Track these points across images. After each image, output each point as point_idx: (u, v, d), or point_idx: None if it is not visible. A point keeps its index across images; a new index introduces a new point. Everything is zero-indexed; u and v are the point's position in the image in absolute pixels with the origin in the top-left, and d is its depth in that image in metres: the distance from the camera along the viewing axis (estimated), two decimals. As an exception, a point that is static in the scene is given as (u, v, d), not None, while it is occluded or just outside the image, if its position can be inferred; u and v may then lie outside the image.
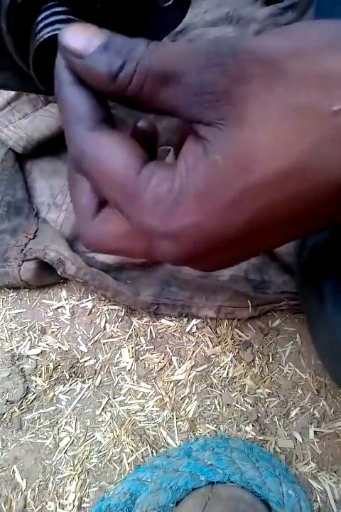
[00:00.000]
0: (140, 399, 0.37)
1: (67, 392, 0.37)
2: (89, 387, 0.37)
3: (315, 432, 0.35)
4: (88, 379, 0.38)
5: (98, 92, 0.16)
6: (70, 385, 0.38)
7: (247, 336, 0.38)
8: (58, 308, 0.40)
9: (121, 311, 0.39)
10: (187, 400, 0.37)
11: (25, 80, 0.23)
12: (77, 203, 0.17)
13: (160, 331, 0.39)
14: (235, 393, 0.37)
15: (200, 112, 0.14)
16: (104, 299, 0.40)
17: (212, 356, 0.38)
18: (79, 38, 0.15)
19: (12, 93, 0.41)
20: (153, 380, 0.37)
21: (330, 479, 0.34)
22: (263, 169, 0.13)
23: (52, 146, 0.42)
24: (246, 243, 0.15)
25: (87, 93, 0.16)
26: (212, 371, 0.37)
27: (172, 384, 0.37)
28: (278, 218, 0.14)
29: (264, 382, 0.37)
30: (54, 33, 0.18)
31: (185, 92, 0.14)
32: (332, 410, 0.36)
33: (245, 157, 0.13)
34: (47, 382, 0.37)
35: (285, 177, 0.13)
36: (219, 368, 0.38)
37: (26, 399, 0.37)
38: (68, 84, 0.16)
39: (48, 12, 0.19)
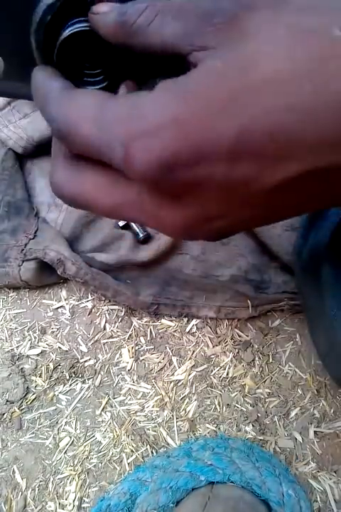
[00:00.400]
0: (140, 399, 0.37)
1: (67, 392, 0.37)
2: (89, 387, 0.37)
3: (315, 431, 0.35)
4: (88, 379, 0.38)
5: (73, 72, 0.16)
6: (70, 385, 0.38)
7: (247, 336, 0.38)
8: (58, 308, 0.40)
9: (121, 311, 0.39)
10: (187, 400, 0.37)
11: None
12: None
13: (160, 331, 0.39)
14: (235, 393, 0.37)
15: (209, 38, 0.13)
16: (104, 299, 0.40)
17: (212, 356, 0.38)
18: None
19: None
20: (153, 380, 0.37)
21: (330, 479, 0.34)
22: (263, 72, 0.12)
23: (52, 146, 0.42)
24: (238, 160, 0.13)
25: (56, 73, 0.17)
26: (212, 371, 0.37)
27: (172, 384, 0.37)
28: (274, 128, 0.12)
29: (264, 382, 0.37)
30: (76, 30, 0.19)
31: (196, 20, 0.13)
32: (332, 410, 0.36)
33: (246, 60, 0.12)
34: (47, 382, 0.37)
35: (283, 82, 0.12)
36: (219, 367, 0.38)
37: (26, 399, 0.37)
38: (39, 69, 0.17)
39: (74, 23, 0.20)
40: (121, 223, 0.40)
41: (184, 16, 0.14)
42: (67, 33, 0.19)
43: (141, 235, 0.39)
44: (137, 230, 0.39)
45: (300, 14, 0.13)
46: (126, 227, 0.41)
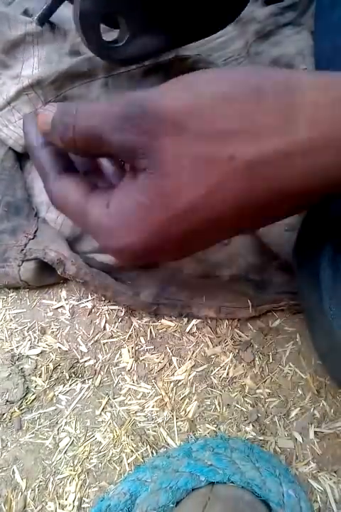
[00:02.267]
0: (140, 399, 0.37)
1: (67, 392, 0.37)
2: (89, 387, 0.37)
3: (315, 432, 0.35)
4: (88, 379, 0.38)
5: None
6: (70, 385, 0.38)
7: (247, 336, 0.38)
8: (58, 308, 0.40)
9: (121, 312, 0.39)
10: (187, 400, 0.37)
11: None
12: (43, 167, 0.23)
13: (160, 331, 0.39)
14: (235, 393, 0.37)
15: (127, 160, 0.19)
16: (104, 299, 0.40)
17: (212, 356, 0.38)
18: (35, 126, 0.23)
19: (12, 93, 0.41)
20: (153, 380, 0.37)
21: (330, 479, 0.34)
22: (179, 206, 0.17)
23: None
24: (174, 251, 0.20)
25: (50, 152, 0.23)
26: (212, 371, 0.37)
27: (172, 384, 0.37)
28: (192, 235, 0.19)
29: (264, 382, 0.37)
30: None
31: (113, 146, 0.18)
32: (332, 410, 0.36)
33: (165, 198, 0.17)
34: (47, 382, 0.37)
35: (193, 209, 0.17)
36: (219, 368, 0.38)
37: (26, 399, 0.37)
38: (36, 149, 0.23)
39: None
40: None
41: (101, 142, 0.18)
42: None
43: None
44: None
45: (198, 143, 0.16)
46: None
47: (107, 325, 0.39)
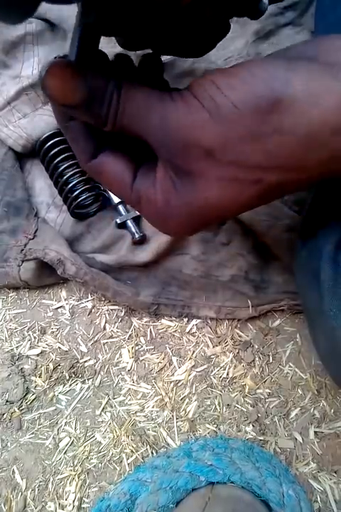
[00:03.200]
0: (140, 399, 0.37)
1: (66, 392, 0.37)
2: (89, 387, 0.37)
3: (315, 432, 0.35)
4: (88, 379, 0.38)
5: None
6: (70, 385, 0.37)
7: (247, 336, 0.38)
8: (58, 308, 0.40)
9: (121, 311, 0.39)
10: (187, 400, 0.37)
11: None
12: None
13: (160, 331, 0.39)
14: (235, 393, 0.37)
15: (171, 168, 0.20)
16: (103, 299, 0.40)
17: (212, 356, 0.38)
18: (64, 90, 0.19)
19: (12, 93, 0.41)
20: (153, 380, 0.37)
21: (330, 479, 0.34)
22: (213, 214, 0.21)
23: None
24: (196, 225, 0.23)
25: (85, 130, 0.21)
26: (212, 371, 0.37)
27: (172, 384, 0.37)
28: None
29: (264, 382, 0.37)
30: None
31: (163, 151, 0.20)
32: (332, 410, 0.36)
33: (205, 206, 0.20)
34: (47, 382, 0.37)
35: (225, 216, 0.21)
36: (219, 368, 0.37)
37: (26, 399, 0.37)
38: (70, 128, 0.21)
39: None
40: (120, 221, 0.40)
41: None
42: None
43: (137, 236, 0.39)
44: (133, 231, 0.39)
45: (225, 170, 0.19)
46: (123, 226, 0.41)
47: (107, 325, 0.39)
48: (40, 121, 0.40)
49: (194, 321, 0.39)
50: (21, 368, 0.38)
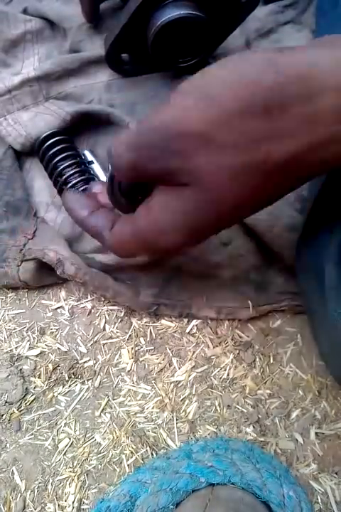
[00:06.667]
0: (140, 400, 0.37)
1: (66, 393, 0.37)
2: (88, 388, 0.37)
3: (316, 433, 0.35)
4: (87, 380, 0.37)
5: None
6: (69, 386, 0.37)
7: (248, 336, 0.38)
8: (57, 308, 0.40)
9: (121, 312, 0.39)
10: (187, 401, 0.36)
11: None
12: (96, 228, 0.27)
13: (160, 331, 0.39)
14: (236, 394, 0.36)
15: (168, 182, 0.20)
16: (103, 299, 0.40)
17: (213, 357, 0.38)
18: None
19: (16, 81, 0.41)
20: (152, 381, 0.37)
21: (331, 481, 0.33)
22: (225, 210, 0.19)
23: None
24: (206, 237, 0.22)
25: (98, 216, 0.26)
26: (212, 372, 0.37)
27: (172, 385, 0.37)
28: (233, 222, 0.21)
29: (265, 383, 0.37)
30: (169, 19, 0.27)
31: (149, 175, 0.20)
32: (333, 411, 0.35)
33: (212, 206, 0.19)
34: (46, 383, 0.37)
35: (239, 209, 0.19)
36: (219, 368, 0.37)
37: (25, 400, 0.37)
38: (86, 219, 0.27)
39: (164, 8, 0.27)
40: None
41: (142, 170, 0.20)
42: (160, 23, 0.24)
43: None
44: None
45: (231, 154, 0.17)
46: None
47: (107, 325, 0.39)
48: (40, 120, 0.40)
49: (194, 322, 0.39)
50: (20, 369, 0.38)
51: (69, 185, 0.38)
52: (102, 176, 0.40)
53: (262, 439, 0.35)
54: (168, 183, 0.19)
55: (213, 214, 0.19)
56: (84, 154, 0.41)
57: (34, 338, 0.39)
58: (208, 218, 0.19)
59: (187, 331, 0.38)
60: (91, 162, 0.41)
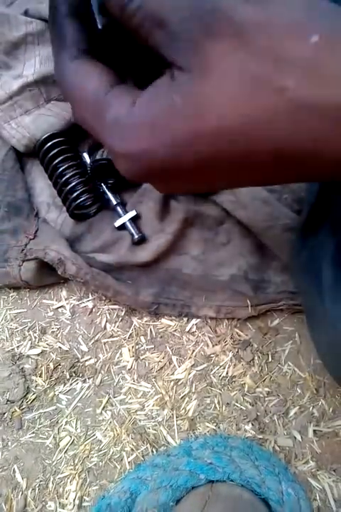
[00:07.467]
0: (140, 398, 0.37)
1: (67, 391, 0.38)
2: (89, 386, 0.38)
3: (314, 430, 0.35)
4: (88, 378, 0.38)
5: (88, 26, 0.18)
6: (71, 384, 0.38)
7: (247, 335, 0.39)
8: (58, 308, 0.40)
9: (122, 311, 0.40)
10: (187, 398, 0.37)
11: None
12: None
13: (160, 330, 0.39)
14: (235, 392, 0.37)
15: (176, 55, 0.15)
16: (104, 298, 0.40)
17: (212, 355, 0.38)
18: None
19: (15, 87, 0.41)
20: (153, 379, 0.38)
21: (329, 478, 0.34)
22: (213, 122, 0.15)
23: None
24: (195, 177, 0.17)
25: (76, 26, 0.18)
26: (211, 370, 0.38)
27: (172, 383, 0.37)
28: (222, 166, 0.16)
29: (264, 381, 0.37)
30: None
31: (169, 37, 0.15)
32: (331, 409, 0.36)
33: (200, 107, 0.15)
34: (47, 381, 0.37)
35: (230, 135, 0.15)
36: (218, 367, 0.38)
37: (26, 398, 0.37)
38: (62, 16, 0.18)
39: None
40: (117, 224, 0.40)
41: (163, 29, 0.15)
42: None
43: (136, 237, 0.39)
44: (132, 231, 0.39)
45: (255, 61, 0.14)
46: (122, 228, 0.41)
47: (108, 324, 0.39)
48: (43, 122, 0.40)
49: (194, 321, 0.39)
50: (22, 368, 0.38)
51: (70, 186, 0.39)
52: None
53: (261, 436, 0.35)
54: (173, 54, 0.16)
55: (198, 120, 0.15)
56: (83, 156, 0.42)
57: (35, 337, 0.39)
58: (191, 126, 0.15)
59: (187, 329, 0.39)
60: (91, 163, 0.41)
